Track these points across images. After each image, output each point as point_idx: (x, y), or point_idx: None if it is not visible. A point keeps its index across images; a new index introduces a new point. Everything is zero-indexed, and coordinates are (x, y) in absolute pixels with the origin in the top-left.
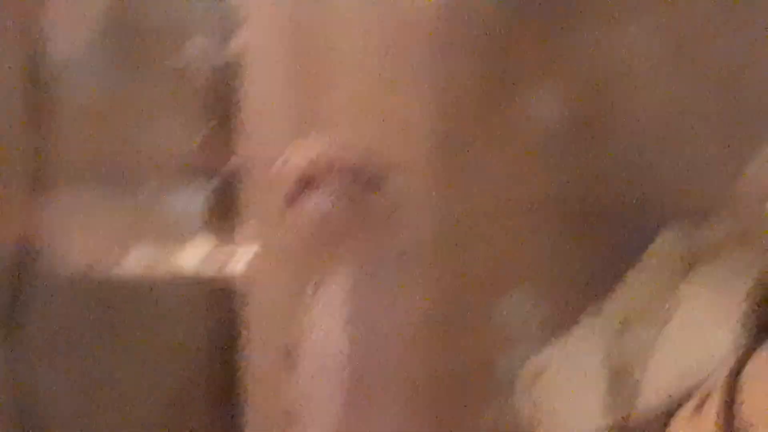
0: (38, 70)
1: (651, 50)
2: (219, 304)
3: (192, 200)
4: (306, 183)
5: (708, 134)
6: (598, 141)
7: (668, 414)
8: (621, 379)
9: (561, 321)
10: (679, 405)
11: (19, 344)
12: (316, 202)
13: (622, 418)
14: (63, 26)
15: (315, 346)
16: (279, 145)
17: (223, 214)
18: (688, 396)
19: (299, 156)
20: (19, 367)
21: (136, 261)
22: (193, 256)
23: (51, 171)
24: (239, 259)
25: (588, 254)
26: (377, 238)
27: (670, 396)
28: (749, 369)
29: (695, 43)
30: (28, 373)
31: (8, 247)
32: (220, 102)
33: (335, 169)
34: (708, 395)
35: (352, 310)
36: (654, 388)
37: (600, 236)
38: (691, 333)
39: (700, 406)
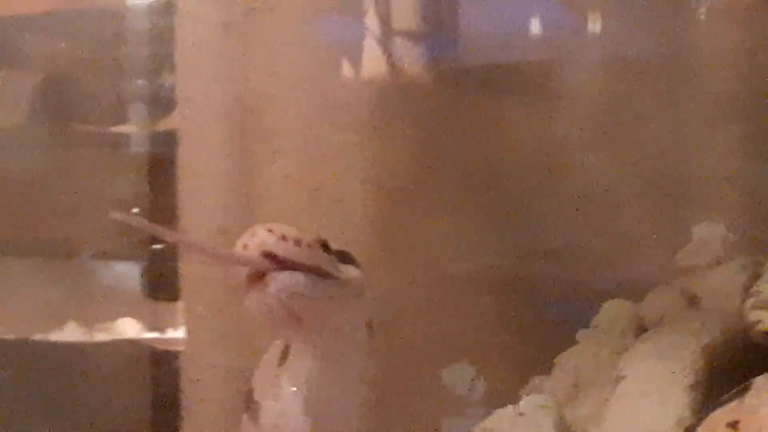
0: None
1: (587, 129)
2: (160, 369)
3: (131, 270)
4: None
5: (643, 211)
6: (535, 215)
7: None
8: None
9: (505, 391)
10: None
11: None
12: (259, 294)
13: None
14: None
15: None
16: (215, 219)
17: (163, 283)
18: None
19: (255, 243)
20: None
21: (74, 330)
22: (132, 325)
23: None
24: (178, 326)
25: (528, 326)
26: (329, 320)
27: None
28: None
29: (628, 124)
30: None
31: None
32: (159, 172)
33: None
34: None
35: (310, 394)
36: None
37: (540, 308)
38: (643, 395)
39: None
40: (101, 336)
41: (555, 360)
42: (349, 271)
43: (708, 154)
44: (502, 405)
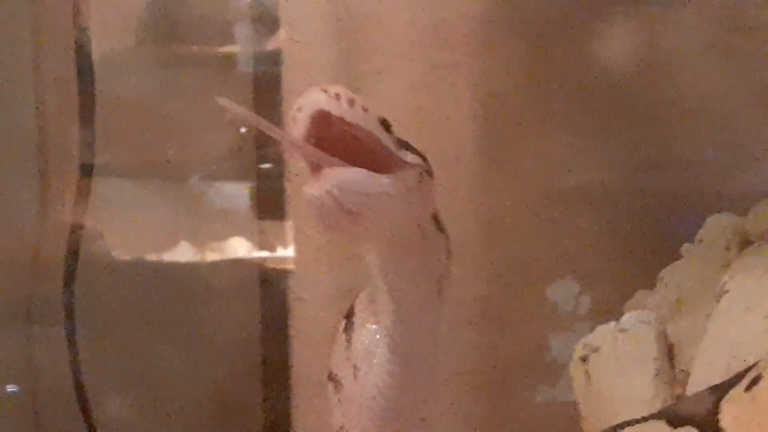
0: (87, 65)
1: (698, 38)
2: (269, 288)
3: (239, 190)
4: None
5: (753, 122)
6: (643, 129)
7: (720, 393)
8: (674, 357)
9: (609, 306)
10: (731, 384)
11: (75, 326)
12: (314, 190)
13: (675, 397)
14: (108, 21)
15: (356, 381)
16: None
17: (271, 203)
18: (740, 375)
19: (309, 103)
20: (74, 349)
21: (186, 250)
22: (240, 246)
23: (101, 162)
24: (287, 246)
25: (634, 241)
26: (390, 217)
27: (726, 369)
28: None
29: (741, 33)
30: (84, 355)
31: (62, 234)
32: (267, 91)
33: (343, 135)
34: (760, 374)
35: (392, 348)
36: (708, 366)
37: (646, 223)
38: (744, 311)
39: (752, 385)
40: (212, 256)
41: (658, 275)
42: (409, 156)
43: None
44: (607, 320)
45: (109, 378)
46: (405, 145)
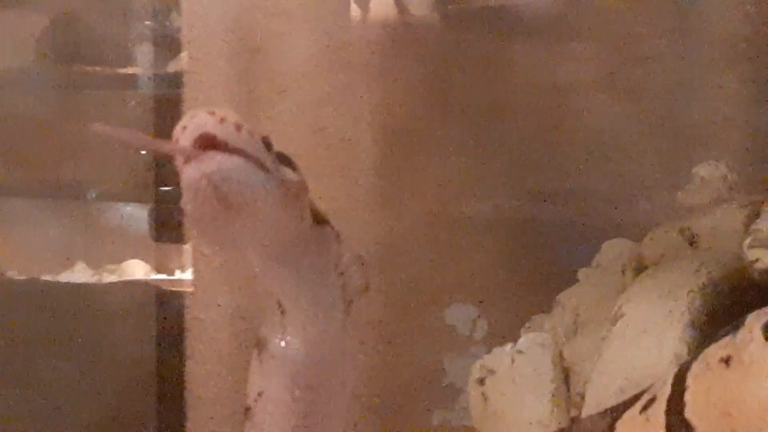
0: None
1: (593, 70)
2: (165, 309)
3: (138, 212)
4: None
5: (646, 151)
6: (541, 156)
7: (615, 415)
8: (570, 378)
9: (506, 330)
10: (626, 406)
11: None
12: (191, 171)
13: (571, 419)
14: (6, 40)
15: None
16: None
17: (169, 225)
18: (635, 397)
19: (194, 124)
20: None
21: (82, 271)
22: (138, 267)
23: None
24: (184, 268)
25: (532, 267)
26: (264, 220)
27: (620, 391)
28: (694, 369)
29: (639, 64)
30: None
31: None
32: (168, 112)
33: (227, 147)
34: (655, 396)
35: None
36: (603, 388)
37: (544, 248)
38: (638, 334)
39: (646, 407)
40: (109, 277)
41: (556, 299)
42: (287, 173)
43: (711, 95)
44: (504, 344)
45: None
46: (285, 160)
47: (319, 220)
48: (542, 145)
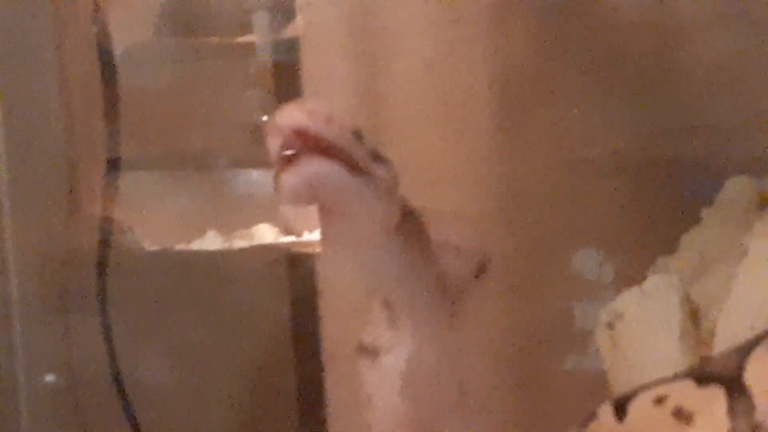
0: (109, 60)
1: (709, 6)
2: (297, 273)
3: (263, 178)
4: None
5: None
6: (659, 96)
7: (744, 352)
8: (699, 319)
9: (633, 273)
10: (755, 343)
11: (108, 315)
12: (290, 179)
13: (705, 352)
14: (127, 16)
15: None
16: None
17: None
18: (766, 332)
19: (284, 121)
20: (109, 337)
21: (212, 239)
22: (268, 231)
23: (126, 154)
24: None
25: (655, 208)
26: (357, 219)
27: (750, 328)
28: None
29: None
30: (119, 348)
31: (92, 226)
32: (287, 78)
33: (319, 141)
34: None
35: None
36: (733, 326)
37: (665, 189)
38: (766, 271)
39: None
40: (240, 243)
41: (680, 239)
42: (379, 168)
43: None
44: (631, 287)
45: (145, 362)
46: (376, 156)
47: (410, 215)
48: (661, 84)
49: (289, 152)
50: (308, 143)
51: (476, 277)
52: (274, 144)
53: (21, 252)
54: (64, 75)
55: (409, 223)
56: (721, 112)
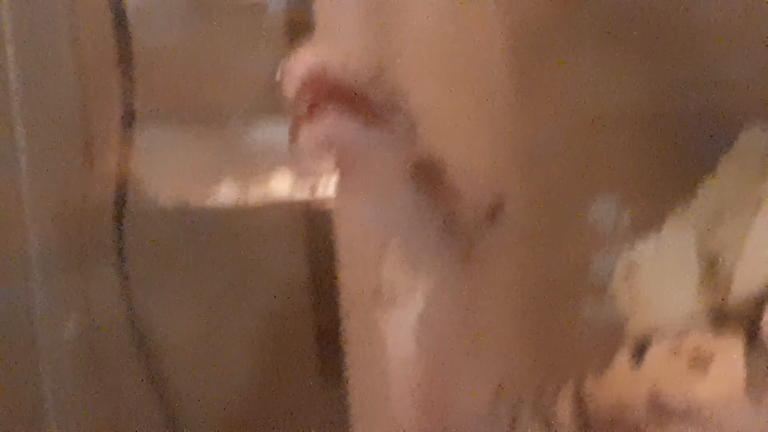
0: (122, 15)
1: None
2: (314, 226)
3: (278, 131)
4: (312, 100)
5: None
6: (675, 49)
7: (762, 299)
8: (715, 267)
9: (650, 224)
10: None
11: (126, 266)
12: (305, 135)
13: (722, 300)
14: None
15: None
16: None
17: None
18: None
19: (299, 65)
20: (129, 294)
21: (228, 193)
22: (284, 184)
23: (141, 110)
24: (328, 183)
25: (670, 159)
26: (378, 166)
27: (766, 280)
28: None
29: None
30: (137, 300)
31: (107, 181)
32: (299, 33)
33: (333, 92)
34: None
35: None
36: (749, 274)
37: (682, 141)
38: None
39: None
40: (256, 197)
41: (697, 189)
42: (397, 116)
43: None
44: (648, 237)
45: (163, 314)
46: (393, 101)
47: (425, 163)
48: (676, 37)
49: (304, 102)
50: (324, 88)
51: (489, 220)
52: (289, 88)
53: (38, 205)
54: (77, 29)
55: (425, 171)
56: (738, 64)
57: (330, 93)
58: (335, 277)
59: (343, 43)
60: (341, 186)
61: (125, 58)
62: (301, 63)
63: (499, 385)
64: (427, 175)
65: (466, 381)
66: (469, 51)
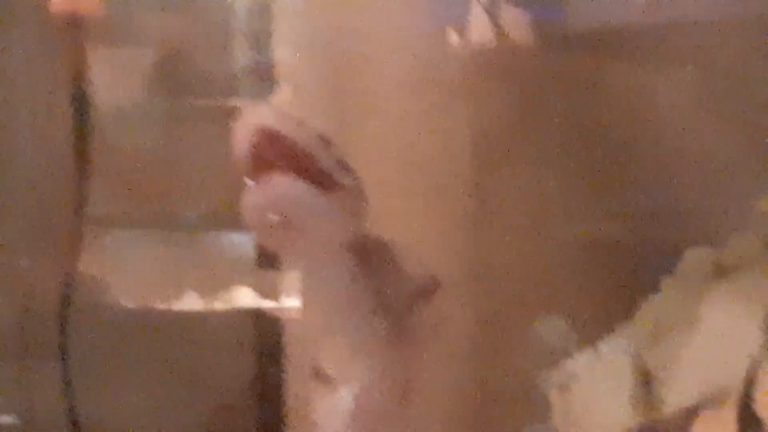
0: (85, 118)
1: (677, 94)
2: (266, 335)
3: (241, 240)
4: (262, 160)
5: (728, 165)
6: (624, 175)
7: (693, 413)
8: (650, 382)
9: (596, 340)
10: (704, 405)
11: (68, 364)
12: (257, 195)
13: (650, 419)
14: (109, 77)
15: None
16: None
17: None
18: (712, 397)
19: (250, 123)
20: (72, 392)
21: (186, 300)
22: (243, 295)
23: (99, 213)
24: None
25: (616, 279)
26: (321, 235)
27: (699, 393)
28: (764, 366)
29: (717, 86)
30: (81, 398)
31: (55, 283)
32: None
33: (284, 152)
34: (729, 394)
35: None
36: (682, 390)
37: (629, 263)
38: (719, 336)
39: (721, 404)
40: (218, 304)
41: (639, 306)
42: (345, 177)
43: None
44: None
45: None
46: (343, 165)
47: (367, 239)
48: (633, 165)
49: (255, 161)
50: (275, 149)
51: (421, 297)
52: (241, 144)
53: None
54: (38, 130)
55: (364, 247)
56: (688, 193)
57: (280, 154)
58: (281, 379)
59: (301, 105)
60: (285, 253)
61: (84, 159)
62: (256, 118)
63: None
64: (366, 251)
65: None
66: (428, 162)
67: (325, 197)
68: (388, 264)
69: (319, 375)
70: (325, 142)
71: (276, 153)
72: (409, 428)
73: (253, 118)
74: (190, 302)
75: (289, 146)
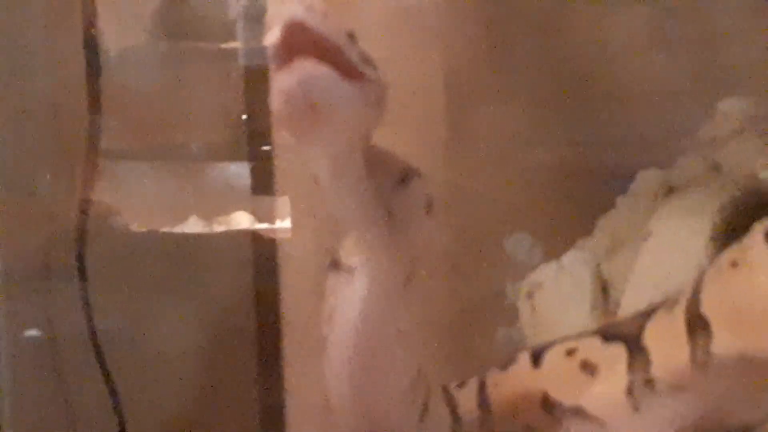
0: (96, 59)
1: (630, 31)
2: (262, 254)
3: (238, 170)
4: (293, 48)
5: (675, 96)
6: (583, 106)
7: (646, 316)
8: (607, 289)
9: (559, 254)
10: (655, 309)
11: (87, 284)
12: (284, 78)
13: (607, 320)
14: (116, 22)
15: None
16: None
17: (266, 183)
18: (663, 302)
19: (285, 11)
20: (90, 313)
21: (190, 224)
22: (241, 218)
23: (112, 146)
24: (280, 218)
25: (578, 199)
26: (345, 124)
27: (651, 299)
28: (709, 273)
29: (666, 24)
30: (99, 318)
31: (74, 210)
32: (258, 82)
33: (313, 42)
34: (678, 299)
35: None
36: (636, 297)
37: (588, 183)
38: (668, 247)
39: (671, 308)
40: (219, 228)
41: (596, 223)
42: (369, 71)
43: (741, 41)
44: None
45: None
46: (367, 60)
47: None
48: (591, 98)
49: (286, 49)
50: (304, 38)
51: (402, 181)
52: (272, 36)
53: (4, 223)
54: (54, 72)
55: (373, 153)
56: (640, 120)
57: (308, 44)
58: (278, 298)
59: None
60: (306, 142)
61: (97, 96)
62: (285, 11)
63: (419, 370)
64: (375, 156)
65: (391, 363)
66: (404, 98)
67: (349, 86)
68: (378, 159)
69: (338, 265)
70: (351, 36)
71: (305, 43)
72: (409, 311)
73: (282, 11)
74: (193, 226)
75: (317, 37)
